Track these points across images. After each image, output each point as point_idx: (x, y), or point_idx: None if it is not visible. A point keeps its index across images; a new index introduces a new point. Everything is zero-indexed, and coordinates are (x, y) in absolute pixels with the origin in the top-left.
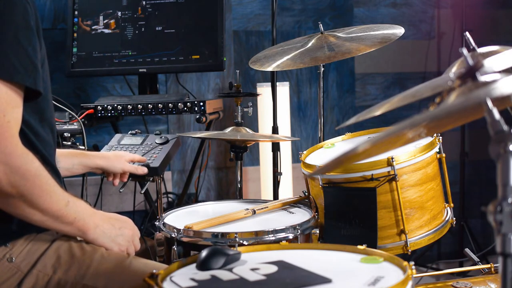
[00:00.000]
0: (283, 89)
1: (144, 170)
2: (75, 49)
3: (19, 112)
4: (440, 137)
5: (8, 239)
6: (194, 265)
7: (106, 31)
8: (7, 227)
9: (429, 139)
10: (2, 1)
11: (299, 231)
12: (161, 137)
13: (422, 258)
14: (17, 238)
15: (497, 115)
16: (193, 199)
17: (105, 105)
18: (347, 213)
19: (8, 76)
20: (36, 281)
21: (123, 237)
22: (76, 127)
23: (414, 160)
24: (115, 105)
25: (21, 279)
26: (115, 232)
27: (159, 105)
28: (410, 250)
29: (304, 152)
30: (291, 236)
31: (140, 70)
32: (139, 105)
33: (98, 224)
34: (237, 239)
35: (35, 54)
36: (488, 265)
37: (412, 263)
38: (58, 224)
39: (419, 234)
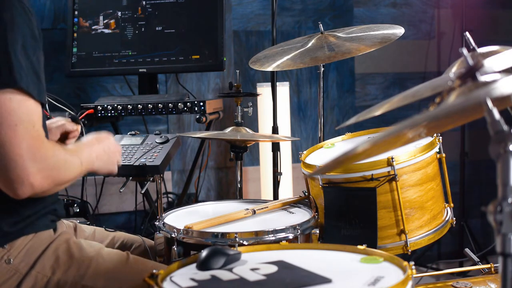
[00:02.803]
0: (283, 89)
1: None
2: (75, 49)
3: (41, 121)
4: (440, 137)
5: (5, 240)
6: (194, 265)
7: (106, 31)
8: (4, 228)
9: (429, 139)
10: (9, 11)
11: (299, 231)
12: (161, 137)
13: (422, 258)
14: (14, 239)
15: (497, 115)
16: (193, 199)
17: (105, 105)
18: (347, 213)
19: (26, 88)
20: (35, 282)
21: (113, 154)
22: None
23: (414, 160)
24: (115, 105)
25: (19, 281)
26: (107, 156)
27: (159, 105)
28: (410, 250)
29: (304, 152)
30: (291, 236)
31: (140, 70)
32: (139, 105)
33: (97, 156)
34: (237, 239)
35: (39, 65)
36: (488, 265)
37: (412, 263)
38: (73, 179)
39: (419, 234)
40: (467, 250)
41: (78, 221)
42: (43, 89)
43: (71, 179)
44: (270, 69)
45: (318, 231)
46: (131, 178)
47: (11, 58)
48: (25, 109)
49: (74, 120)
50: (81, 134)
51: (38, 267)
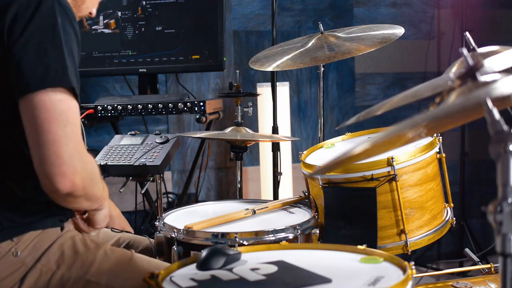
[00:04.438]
0: (283, 89)
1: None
2: None
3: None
4: (440, 137)
5: (15, 233)
6: (194, 265)
7: (106, 31)
8: (14, 222)
9: (429, 139)
10: (61, 15)
11: (299, 231)
12: (161, 137)
13: (422, 258)
14: (23, 233)
15: (497, 115)
16: (193, 199)
17: (105, 105)
18: (347, 213)
19: (71, 88)
20: (40, 276)
21: (107, 218)
22: None
23: (414, 160)
24: (115, 105)
25: (25, 273)
26: (107, 212)
27: (159, 105)
28: (410, 250)
29: (304, 152)
30: (291, 236)
31: (140, 70)
32: (139, 105)
33: (106, 201)
34: (237, 239)
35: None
36: (488, 265)
37: (412, 263)
38: (94, 205)
39: (419, 234)
40: (467, 250)
41: None
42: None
43: (95, 196)
44: (270, 69)
45: (318, 231)
46: (131, 178)
47: (65, 58)
48: (73, 110)
49: None
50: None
51: (43, 261)
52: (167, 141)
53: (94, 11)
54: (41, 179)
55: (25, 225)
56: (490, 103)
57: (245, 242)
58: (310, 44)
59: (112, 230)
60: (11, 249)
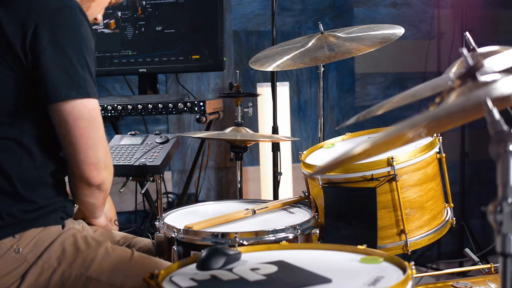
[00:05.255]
0: (283, 89)
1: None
2: None
3: None
4: (440, 137)
5: (17, 230)
6: (194, 265)
7: (106, 31)
8: (15, 218)
9: (429, 139)
10: (83, 26)
11: (299, 231)
12: (161, 137)
13: (422, 258)
14: (25, 229)
15: (497, 115)
16: (193, 199)
17: (105, 105)
18: (347, 213)
19: (96, 96)
20: (41, 272)
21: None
22: None
23: (414, 160)
24: (115, 105)
25: (26, 270)
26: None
27: (159, 105)
28: (410, 250)
29: (304, 152)
30: (291, 236)
31: (140, 70)
32: (139, 105)
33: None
34: (237, 239)
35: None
36: (488, 265)
37: (412, 263)
38: (103, 204)
39: (419, 234)
40: (467, 250)
41: (82, 220)
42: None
43: (107, 193)
44: (270, 69)
45: (318, 231)
46: (131, 178)
47: (90, 70)
48: (100, 116)
49: None
50: None
51: (44, 258)
52: (167, 141)
53: (99, 17)
54: (77, 178)
55: (27, 222)
56: (490, 103)
57: (245, 242)
58: (310, 44)
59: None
60: (13, 245)
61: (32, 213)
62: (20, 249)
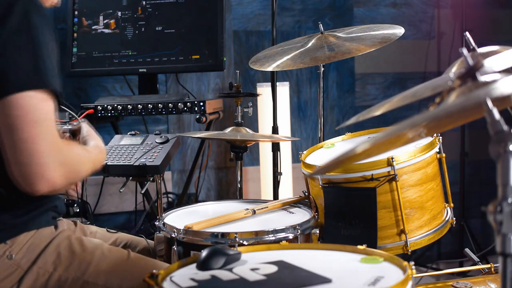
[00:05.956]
0: (283, 89)
1: None
2: (75, 49)
3: None
4: (440, 137)
5: (7, 236)
6: (194, 265)
7: (106, 31)
8: (5, 224)
9: (429, 139)
10: (36, 15)
11: (299, 231)
12: (161, 137)
13: (422, 258)
14: (16, 235)
15: (497, 115)
16: (193, 199)
17: (105, 105)
18: (347, 213)
19: (52, 87)
20: (37, 278)
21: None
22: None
23: (414, 160)
24: (115, 105)
25: (21, 276)
26: (102, 155)
27: (159, 105)
28: (410, 250)
29: (304, 152)
30: (291, 236)
31: (140, 70)
32: (139, 105)
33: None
34: (237, 239)
35: (58, 66)
36: (488, 265)
37: (412, 263)
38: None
39: (419, 234)
40: (467, 250)
41: (78, 221)
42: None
43: (85, 175)
44: (270, 69)
45: (318, 231)
46: (131, 178)
47: (43, 60)
48: (46, 107)
49: (72, 133)
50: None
51: (39, 263)
52: (167, 141)
53: (57, 0)
54: (17, 180)
55: (18, 227)
56: (490, 103)
57: (245, 242)
58: (310, 44)
59: (107, 231)
60: (5, 252)
61: (21, 217)
62: (13, 255)
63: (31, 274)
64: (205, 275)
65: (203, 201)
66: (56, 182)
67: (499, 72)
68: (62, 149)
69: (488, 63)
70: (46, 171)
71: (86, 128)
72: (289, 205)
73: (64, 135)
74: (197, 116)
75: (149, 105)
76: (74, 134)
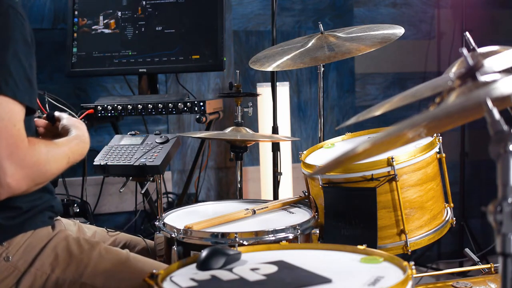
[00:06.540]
0: (283, 89)
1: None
2: (75, 49)
3: (22, 122)
4: (440, 137)
5: (4, 237)
6: (194, 265)
7: (106, 31)
8: (2, 225)
9: (429, 139)
10: (1, 16)
11: (299, 231)
12: (161, 137)
13: (422, 258)
14: (12, 236)
15: (497, 115)
16: (193, 199)
17: (105, 105)
18: (347, 213)
19: (12, 94)
20: (34, 280)
21: (87, 144)
22: None
23: (414, 160)
24: (115, 105)
25: (18, 278)
26: (83, 144)
27: (159, 105)
28: (410, 250)
29: (304, 152)
30: (291, 236)
31: (140, 70)
32: (139, 105)
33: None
34: (237, 239)
35: (31, 71)
36: (488, 265)
37: (412, 263)
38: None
39: (419, 234)
40: (467, 250)
41: (78, 221)
42: (35, 94)
43: (56, 173)
44: (270, 69)
45: (318, 231)
46: (131, 178)
47: (1, 65)
48: (7, 109)
49: (49, 119)
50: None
51: (37, 265)
52: (167, 141)
53: None
54: None
55: (14, 228)
56: (490, 103)
57: (245, 242)
58: (310, 44)
59: (107, 231)
60: (2, 254)
61: (17, 218)
62: (10, 257)
63: (29, 276)
64: (205, 275)
65: (203, 201)
66: (15, 186)
67: (499, 72)
68: (21, 152)
69: (488, 63)
70: (2, 176)
71: (67, 116)
72: (289, 205)
73: (39, 129)
74: (197, 116)
75: (149, 105)
76: (53, 120)
